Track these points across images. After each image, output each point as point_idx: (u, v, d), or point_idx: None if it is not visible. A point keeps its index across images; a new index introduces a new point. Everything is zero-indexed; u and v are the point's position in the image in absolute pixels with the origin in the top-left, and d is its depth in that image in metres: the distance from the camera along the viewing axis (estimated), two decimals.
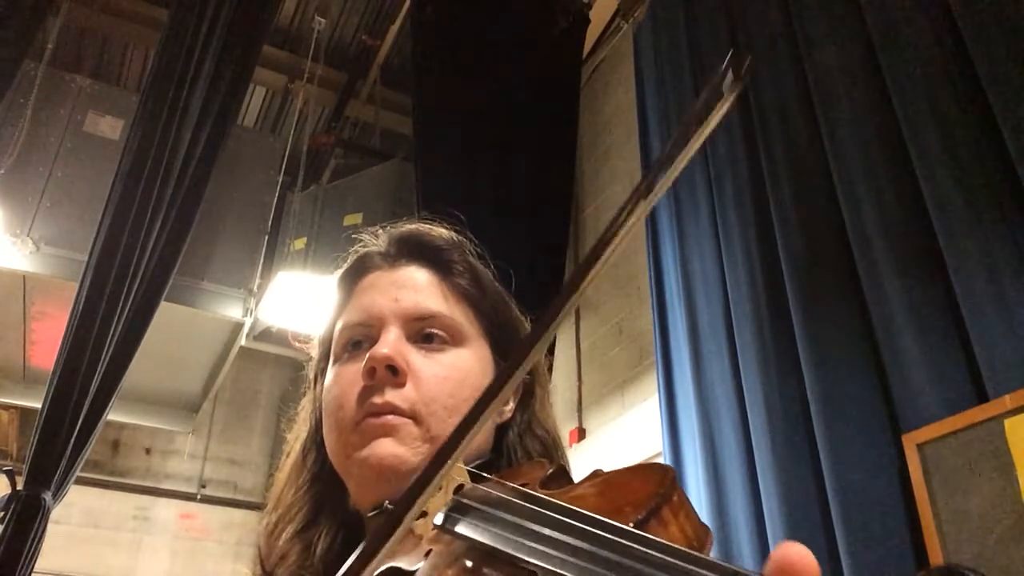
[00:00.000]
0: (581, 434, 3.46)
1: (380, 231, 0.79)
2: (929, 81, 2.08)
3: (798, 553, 0.28)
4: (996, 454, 1.67)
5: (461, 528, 0.40)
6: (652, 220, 3.16)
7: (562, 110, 3.97)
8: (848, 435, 1.96)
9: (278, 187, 4.11)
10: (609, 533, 0.33)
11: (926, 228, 1.97)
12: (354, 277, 0.76)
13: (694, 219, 2.85)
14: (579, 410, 3.54)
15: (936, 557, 1.71)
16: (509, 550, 0.36)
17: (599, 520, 0.35)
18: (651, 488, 0.38)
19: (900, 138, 2.11)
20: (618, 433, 3.21)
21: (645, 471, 0.41)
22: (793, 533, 1.98)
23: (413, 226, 0.78)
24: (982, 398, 1.75)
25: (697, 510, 0.39)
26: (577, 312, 3.76)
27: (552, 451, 0.73)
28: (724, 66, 0.35)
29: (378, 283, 0.73)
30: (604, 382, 3.46)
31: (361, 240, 0.79)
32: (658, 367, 2.84)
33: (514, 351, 0.38)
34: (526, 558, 0.35)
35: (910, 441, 1.83)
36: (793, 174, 2.42)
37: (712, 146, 2.84)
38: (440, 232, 0.78)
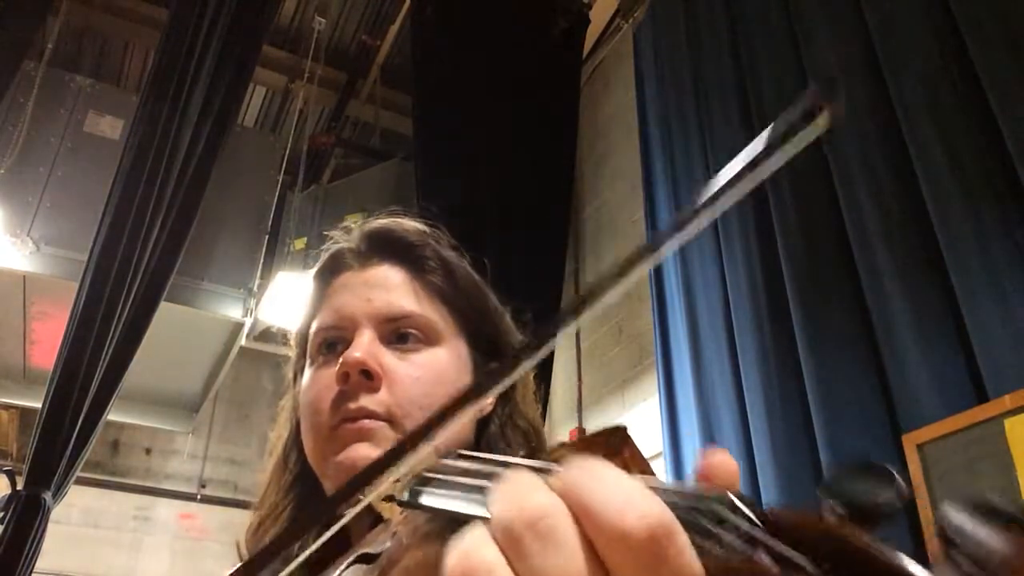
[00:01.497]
0: (581, 434, 3.45)
1: (352, 226, 0.77)
2: (929, 80, 2.08)
3: (720, 455, 0.30)
4: (996, 454, 1.67)
5: (419, 499, 0.41)
6: (652, 220, 3.16)
7: (562, 110, 3.97)
8: (848, 435, 1.96)
9: (278, 187, 4.11)
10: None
11: (926, 228, 1.97)
12: (327, 277, 0.75)
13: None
14: (579, 410, 3.54)
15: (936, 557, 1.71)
16: (464, 510, 0.37)
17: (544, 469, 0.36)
18: (600, 447, 0.39)
19: (900, 138, 2.11)
20: None
21: (599, 434, 0.43)
22: None
23: (384, 221, 0.77)
24: (982, 398, 1.75)
25: None
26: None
27: (535, 442, 0.73)
28: (810, 94, 0.31)
29: (350, 283, 0.73)
30: (604, 382, 3.46)
31: (333, 238, 0.78)
32: (658, 367, 2.84)
33: (501, 363, 0.38)
34: (467, 512, 0.36)
35: (910, 441, 1.83)
36: (793, 174, 2.42)
37: (712, 147, 2.84)
38: (412, 226, 0.76)
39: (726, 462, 0.30)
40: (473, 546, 0.26)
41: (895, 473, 0.28)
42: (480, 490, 0.37)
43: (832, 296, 2.16)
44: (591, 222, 3.96)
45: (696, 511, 0.26)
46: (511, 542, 0.25)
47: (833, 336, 2.11)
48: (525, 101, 3.74)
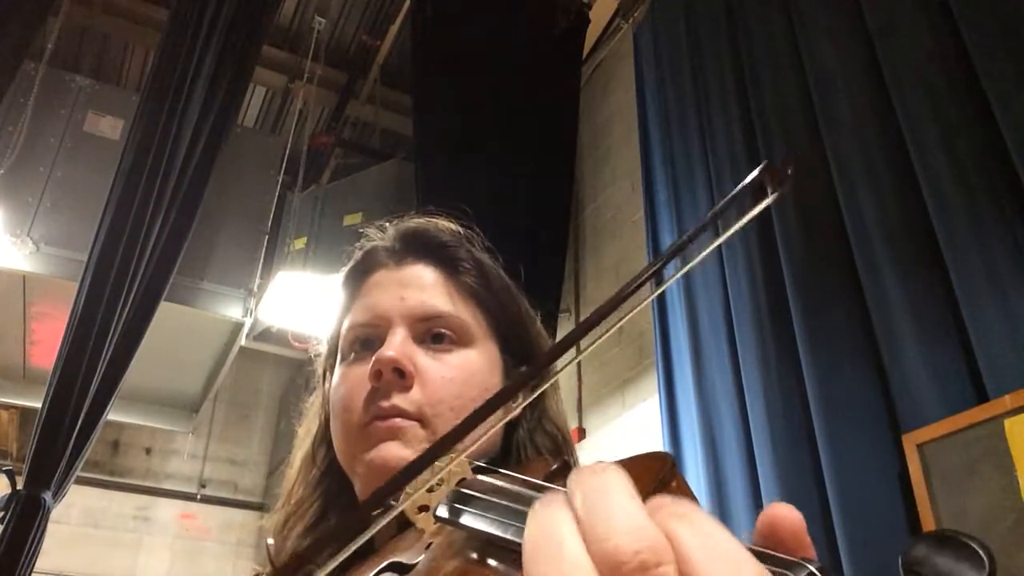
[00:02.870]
0: (581, 434, 3.46)
1: (387, 225, 0.78)
2: (929, 81, 2.08)
3: (786, 507, 0.31)
4: (996, 454, 1.67)
5: (458, 518, 0.40)
6: (652, 220, 3.16)
7: (562, 110, 3.97)
8: (848, 435, 1.96)
9: (278, 187, 4.11)
10: None
11: (926, 228, 1.97)
12: (360, 274, 0.75)
13: (694, 219, 2.85)
14: (579, 410, 3.54)
15: None
16: (503, 535, 0.37)
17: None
18: (649, 475, 0.38)
19: (900, 138, 2.11)
20: (618, 433, 3.21)
21: (644, 459, 0.42)
22: None
23: (420, 221, 0.77)
24: (982, 398, 1.75)
25: None
26: (577, 312, 3.76)
27: (563, 448, 0.72)
28: (757, 175, 0.34)
29: (384, 282, 0.73)
30: (604, 382, 3.46)
31: (367, 235, 0.78)
32: (658, 367, 2.84)
33: (529, 367, 0.38)
34: (515, 539, 0.35)
35: (910, 441, 1.83)
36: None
37: (712, 147, 2.84)
38: (447, 227, 0.77)
39: (792, 516, 0.30)
40: None
41: (982, 548, 0.27)
42: (519, 515, 0.37)
43: (832, 296, 2.16)
44: (591, 222, 3.96)
45: None
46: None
47: (833, 336, 2.11)
48: (525, 101, 3.74)
